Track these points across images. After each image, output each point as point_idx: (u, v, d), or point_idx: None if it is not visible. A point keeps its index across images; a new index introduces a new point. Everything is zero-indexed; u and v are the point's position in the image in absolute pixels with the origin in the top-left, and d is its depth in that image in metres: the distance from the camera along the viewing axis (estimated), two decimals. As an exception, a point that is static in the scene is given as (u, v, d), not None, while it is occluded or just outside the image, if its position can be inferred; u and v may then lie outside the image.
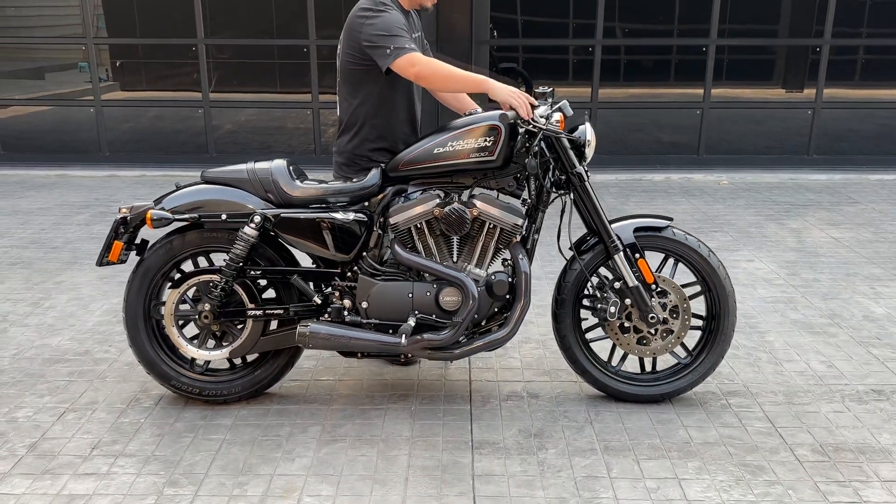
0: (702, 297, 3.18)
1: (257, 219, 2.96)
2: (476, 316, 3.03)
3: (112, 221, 3.04)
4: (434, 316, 3.03)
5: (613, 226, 3.08)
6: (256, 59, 7.64)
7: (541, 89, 3.01)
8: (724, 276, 3.11)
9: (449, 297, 3.02)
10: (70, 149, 7.72)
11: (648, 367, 3.27)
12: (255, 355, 3.15)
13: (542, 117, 2.91)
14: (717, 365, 3.18)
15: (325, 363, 3.54)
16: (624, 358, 3.22)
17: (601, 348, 3.29)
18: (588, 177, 3.04)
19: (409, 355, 3.06)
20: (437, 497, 2.58)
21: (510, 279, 3.04)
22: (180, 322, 3.12)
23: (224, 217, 3.00)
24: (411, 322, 2.94)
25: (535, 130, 2.92)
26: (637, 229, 3.09)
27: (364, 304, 3.03)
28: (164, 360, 3.10)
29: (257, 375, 3.13)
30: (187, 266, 3.14)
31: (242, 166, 3.07)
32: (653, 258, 3.10)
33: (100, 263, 3.04)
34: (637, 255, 3.06)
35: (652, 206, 6.43)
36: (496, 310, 3.08)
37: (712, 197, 6.83)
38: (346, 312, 3.04)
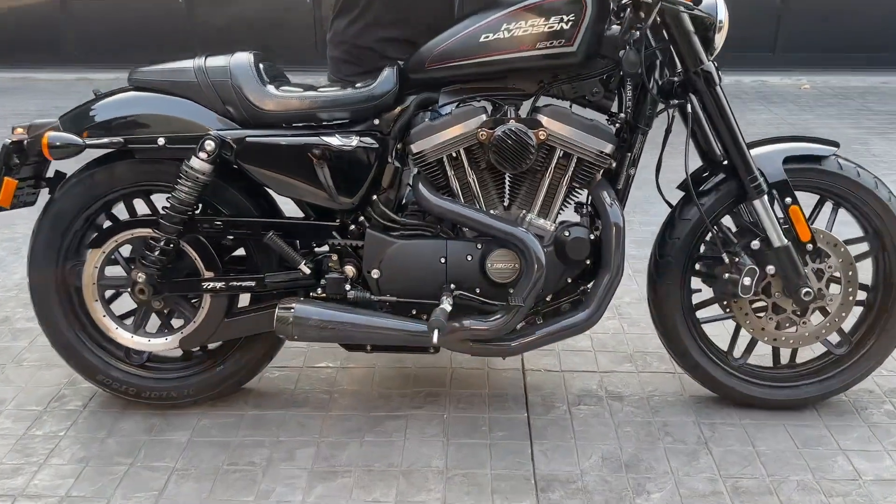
0: (869, 260, 2.16)
1: (209, 144, 1.94)
2: (542, 290, 2.04)
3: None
4: (479, 291, 2.04)
5: (752, 152, 2.03)
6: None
7: None
8: (912, 230, 2.08)
9: (501, 264, 2.01)
10: (34, 48, 6.62)
11: (784, 360, 2.28)
12: (218, 344, 2.19)
13: None
14: (886, 357, 2.19)
15: (321, 343, 2.57)
16: (751, 348, 2.23)
17: (715, 332, 2.28)
18: (720, 78, 1.97)
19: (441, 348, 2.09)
20: (489, 587, 1.66)
21: (591, 235, 2.03)
22: (109, 294, 2.16)
23: (161, 142, 1.98)
24: (446, 303, 1.95)
25: (647, 0, 1.83)
26: (789, 159, 2.04)
27: (375, 273, 2.04)
28: (88, 345, 2.15)
29: (220, 373, 2.17)
30: (121, 214, 2.16)
31: (188, 63, 2.02)
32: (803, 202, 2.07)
33: (-12, 209, 2.05)
34: (788, 200, 2.02)
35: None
36: (569, 280, 2.08)
37: (796, 104, 5.68)
38: (348, 286, 2.05)
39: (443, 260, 2.02)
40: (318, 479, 1.96)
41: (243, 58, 2.01)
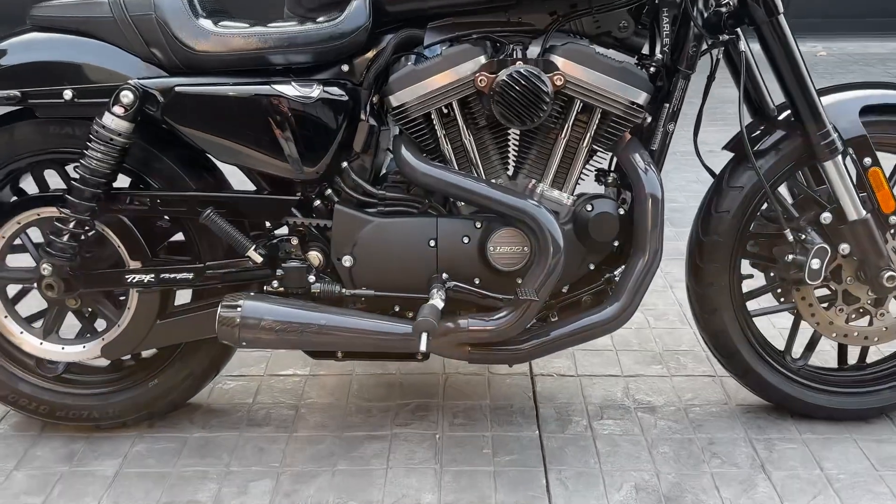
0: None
1: (127, 96, 1.49)
2: (559, 279, 1.61)
3: None
4: (479, 282, 1.61)
5: (822, 101, 1.60)
6: None
7: None
8: None
9: (507, 247, 1.58)
10: None
11: (851, 360, 1.86)
12: (152, 352, 1.75)
13: None
14: (982, 358, 1.78)
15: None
16: (812, 346, 1.81)
17: (762, 326, 1.86)
18: (786, 4, 1.54)
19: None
20: None
21: (620, 209, 1.60)
22: (15, 290, 1.72)
23: (68, 96, 1.53)
24: (437, 298, 1.51)
25: None
26: (867, 110, 1.62)
27: (347, 261, 1.60)
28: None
29: (152, 389, 1.72)
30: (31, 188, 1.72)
31: (102, -5, 1.57)
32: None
33: None
34: (868, 161, 1.60)
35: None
36: (591, 267, 1.65)
37: (814, 73, 5.23)
38: (311, 277, 1.61)
39: (432, 243, 1.59)
40: (278, 522, 1.55)
41: None
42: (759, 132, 1.69)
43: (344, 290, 1.61)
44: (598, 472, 1.66)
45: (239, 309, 1.52)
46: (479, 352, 1.59)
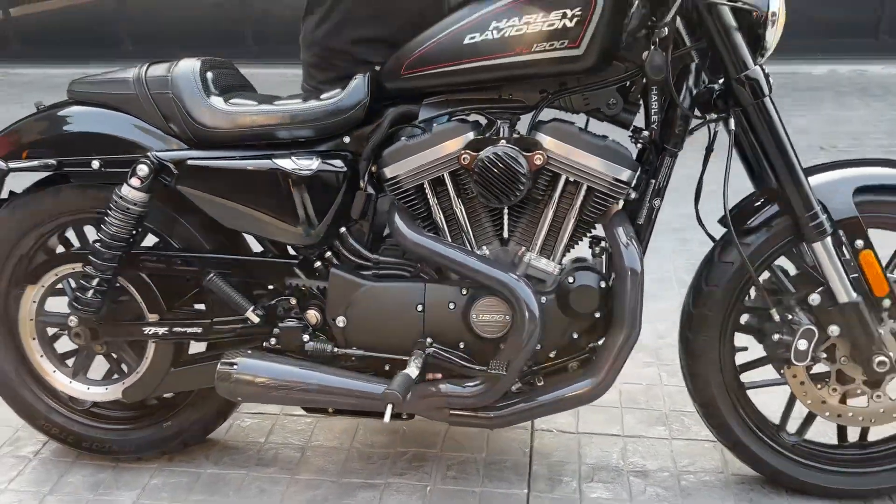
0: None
1: (142, 169, 1.64)
2: (539, 347, 1.66)
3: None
4: (463, 347, 1.68)
5: (816, 182, 1.59)
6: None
7: None
8: None
9: (489, 315, 1.65)
10: (91, 43, 6.58)
11: (852, 438, 1.82)
12: (170, 395, 1.91)
13: None
14: None
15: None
16: (809, 420, 1.78)
17: (765, 399, 1.84)
18: (771, 88, 1.54)
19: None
20: None
21: (603, 282, 1.64)
22: (50, 332, 1.91)
23: (96, 165, 1.70)
24: (413, 367, 1.59)
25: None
26: (862, 189, 1.59)
27: (341, 321, 1.70)
28: (29, 385, 1.91)
29: (165, 430, 1.88)
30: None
31: (129, 73, 1.74)
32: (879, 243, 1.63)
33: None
34: (860, 243, 1.57)
35: (810, 111, 4.71)
36: (574, 336, 1.69)
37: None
38: (306, 336, 1.72)
39: (420, 307, 1.67)
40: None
41: (188, 65, 1.71)
42: (757, 205, 1.68)
43: (335, 350, 1.71)
44: (577, 538, 1.70)
45: (235, 366, 1.65)
46: (458, 416, 1.66)
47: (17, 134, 1.76)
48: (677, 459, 1.92)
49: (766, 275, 1.70)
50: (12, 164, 1.70)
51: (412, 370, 1.57)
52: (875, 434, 1.80)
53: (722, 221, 1.66)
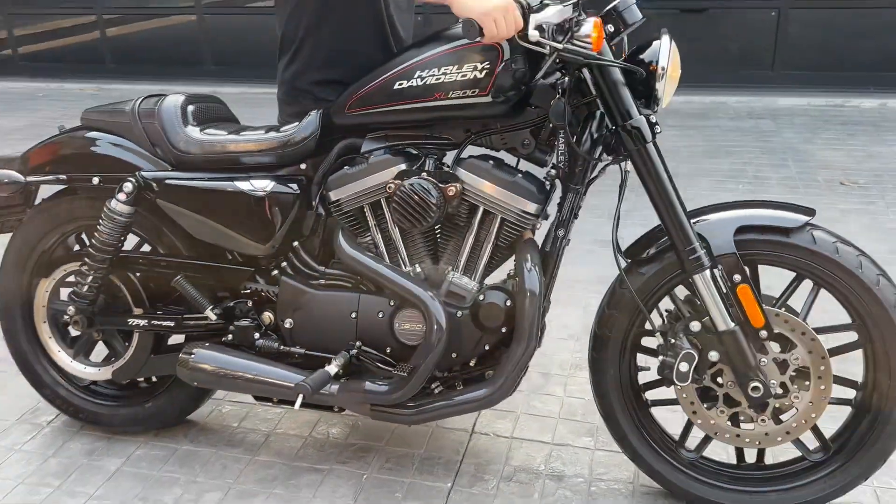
0: (860, 352, 1.79)
1: (128, 186, 1.96)
2: (455, 356, 1.88)
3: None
4: (389, 351, 1.92)
5: (702, 220, 1.76)
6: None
7: None
8: (907, 321, 1.71)
9: (409, 324, 1.88)
10: (173, 62, 7.16)
11: (751, 458, 1.95)
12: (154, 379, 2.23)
13: (555, 26, 1.62)
14: (871, 471, 1.82)
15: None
16: (707, 440, 1.93)
17: (672, 417, 2.00)
18: (654, 133, 1.72)
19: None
20: None
21: (509, 301, 1.84)
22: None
23: (96, 181, 2.03)
24: (333, 365, 1.85)
25: (543, 51, 1.64)
26: (744, 229, 1.74)
27: (288, 323, 1.98)
28: (41, 360, 2.26)
29: (146, 409, 2.20)
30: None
31: (128, 105, 2.06)
32: (777, 278, 1.77)
33: (-39, 233, 2.21)
34: (737, 278, 1.73)
35: (844, 145, 4.70)
36: (486, 347, 1.90)
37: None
38: (257, 334, 2.00)
39: (354, 315, 1.92)
40: (212, 529, 1.94)
41: (172, 100, 2.02)
42: (652, 239, 1.85)
43: (282, 347, 1.98)
44: (482, 528, 1.90)
45: (192, 355, 1.95)
46: (378, 411, 1.90)
47: (40, 152, 2.11)
48: (594, 468, 2.10)
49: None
50: (30, 178, 2.06)
51: (332, 368, 1.83)
52: (774, 457, 1.93)
53: (618, 254, 1.84)
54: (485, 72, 1.74)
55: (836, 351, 1.81)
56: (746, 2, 5.99)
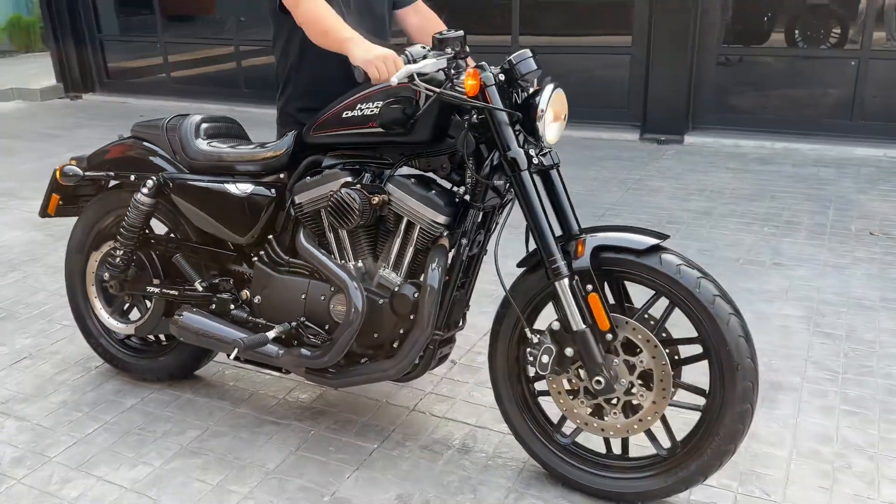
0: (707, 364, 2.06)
1: (149, 183, 2.55)
2: (376, 336, 2.31)
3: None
4: (327, 328, 2.38)
5: (576, 238, 2.09)
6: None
7: (445, 33, 2.10)
8: (738, 336, 1.96)
9: (339, 306, 2.34)
10: None
11: (618, 450, 2.24)
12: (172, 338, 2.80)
13: (427, 74, 2.04)
14: (708, 472, 2.06)
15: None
16: (579, 428, 2.23)
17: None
18: (526, 165, 2.07)
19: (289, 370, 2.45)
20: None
21: (416, 293, 2.25)
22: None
23: (133, 178, 2.65)
24: (273, 332, 2.33)
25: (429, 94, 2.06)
26: (600, 248, 2.06)
27: (257, 299, 2.49)
28: (91, 316, 2.90)
29: (160, 363, 2.79)
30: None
31: (161, 121, 2.67)
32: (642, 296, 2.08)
33: (42, 215, 2.90)
34: (589, 288, 2.05)
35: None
36: (401, 331, 2.31)
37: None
38: (233, 306, 2.52)
39: (304, 296, 2.40)
40: (180, 454, 2.46)
41: (191, 119, 2.60)
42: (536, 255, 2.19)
43: (250, 318, 2.49)
44: (382, 480, 2.30)
45: (181, 317, 2.49)
46: (311, 375, 2.36)
47: (99, 153, 2.75)
48: (499, 448, 2.44)
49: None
50: (87, 173, 2.70)
51: (271, 333, 2.31)
52: (637, 447, 2.20)
53: (521, 264, 2.20)
54: (410, 106, 2.17)
55: (686, 361, 2.08)
56: (826, 51, 6.01)
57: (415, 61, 2.05)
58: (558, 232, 2.11)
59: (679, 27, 6.00)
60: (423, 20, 2.68)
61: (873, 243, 4.02)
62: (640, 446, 2.21)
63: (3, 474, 2.39)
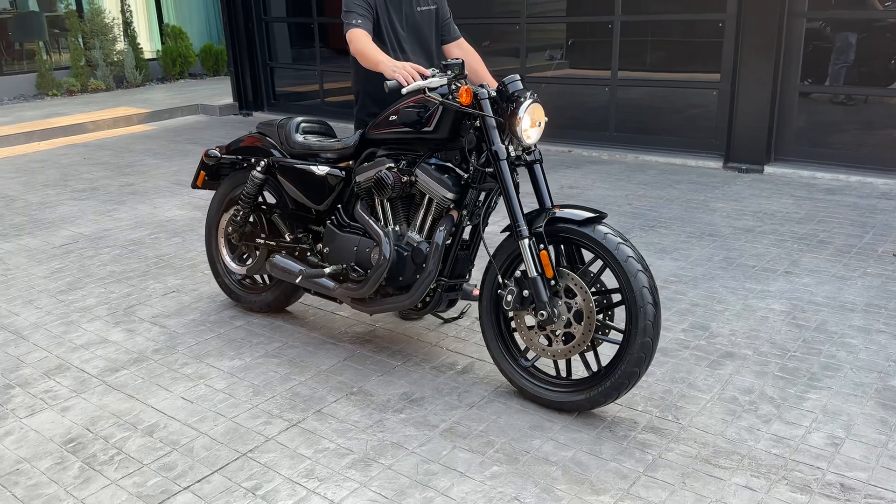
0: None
1: (262, 163, 3.59)
2: (401, 279, 3.19)
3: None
4: (368, 271, 3.29)
5: (538, 213, 2.89)
6: (665, 37, 7.28)
7: (449, 62, 2.96)
8: (642, 287, 2.66)
9: (375, 255, 3.24)
10: (584, 126, 7.73)
11: (565, 373, 2.97)
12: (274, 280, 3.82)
13: (441, 86, 2.91)
14: (620, 391, 2.75)
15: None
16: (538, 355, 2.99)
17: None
18: (505, 156, 2.88)
19: (342, 301, 3.38)
20: (267, 419, 2.97)
21: (427, 248, 3.11)
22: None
23: (253, 160, 3.70)
24: (328, 269, 3.27)
25: (436, 102, 2.93)
26: (554, 219, 2.84)
27: (326, 250, 3.44)
28: (220, 262, 3.98)
29: (262, 297, 3.81)
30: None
31: (277, 121, 3.71)
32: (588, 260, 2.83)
33: (193, 186, 4.04)
34: (542, 246, 2.82)
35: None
36: (418, 276, 3.17)
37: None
38: (309, 254, 3.49)
39: (355, 248, 3.33)
40: (265, 355, 3.45)
41: (296, 119, 3.62)
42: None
43: (321, 263, 3.44)
44: (392, 382, 3.16)
45: (274, 258, 3.50)
46: (356, 303, 3.28)
47: (235, 142, 3.83)
48: (489, 374, 3.22)
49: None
50: (224, 156, 3.79)
51: (326, 269, 3.25)
52: (579, 370, 2.93)
53: (505, 230, 3.01)
54: (430, 113, 3.05)
55: (614, 305, 2.80)
56: (907, 91, 6.25)
57: (424, 79, 2.94)
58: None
59: (762, 64, 6.46)
60: (464, 53, 3.57)
61: (890, 263, 4.40)
62: (580, 374, 2.94)
63: (145, 357, 3.48)
